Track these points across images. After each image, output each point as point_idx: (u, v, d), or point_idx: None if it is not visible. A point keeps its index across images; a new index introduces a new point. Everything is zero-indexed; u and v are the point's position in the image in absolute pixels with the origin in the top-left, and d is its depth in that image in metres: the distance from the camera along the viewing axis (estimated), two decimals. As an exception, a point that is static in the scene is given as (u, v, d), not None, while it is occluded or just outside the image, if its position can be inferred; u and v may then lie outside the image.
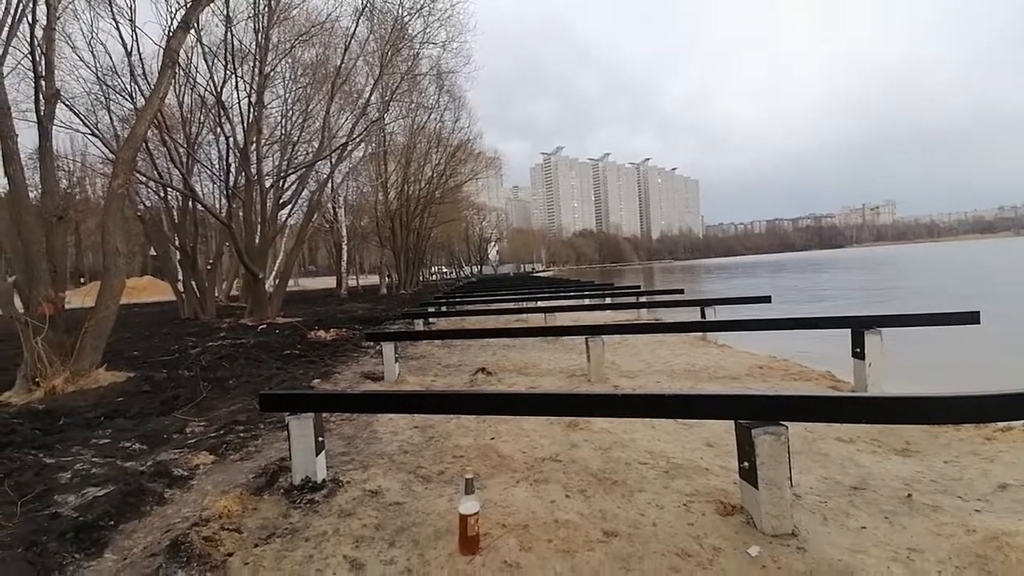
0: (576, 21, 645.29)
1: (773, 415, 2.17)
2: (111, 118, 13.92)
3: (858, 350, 4.37)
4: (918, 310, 4.81)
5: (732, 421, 2.27)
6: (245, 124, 13.62)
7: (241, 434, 3.86)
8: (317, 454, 2.76)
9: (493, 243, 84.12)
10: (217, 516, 2.39)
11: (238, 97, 13.90)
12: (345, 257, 28.02)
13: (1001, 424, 3.11)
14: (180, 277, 16.47)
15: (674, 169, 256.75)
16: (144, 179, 14.04)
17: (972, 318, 4.41)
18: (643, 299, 11.87)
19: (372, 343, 7.58)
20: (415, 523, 2.35)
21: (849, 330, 4.48)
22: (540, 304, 11.80)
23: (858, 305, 13.88)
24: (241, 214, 13.74)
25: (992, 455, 2.87)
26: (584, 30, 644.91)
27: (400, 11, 15.14)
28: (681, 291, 11.95)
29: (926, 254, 54.77)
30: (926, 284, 18.92)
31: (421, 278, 38.43)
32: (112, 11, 11.88)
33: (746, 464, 2.16)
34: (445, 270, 68.67)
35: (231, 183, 13.83)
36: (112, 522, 2.46)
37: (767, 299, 7.96)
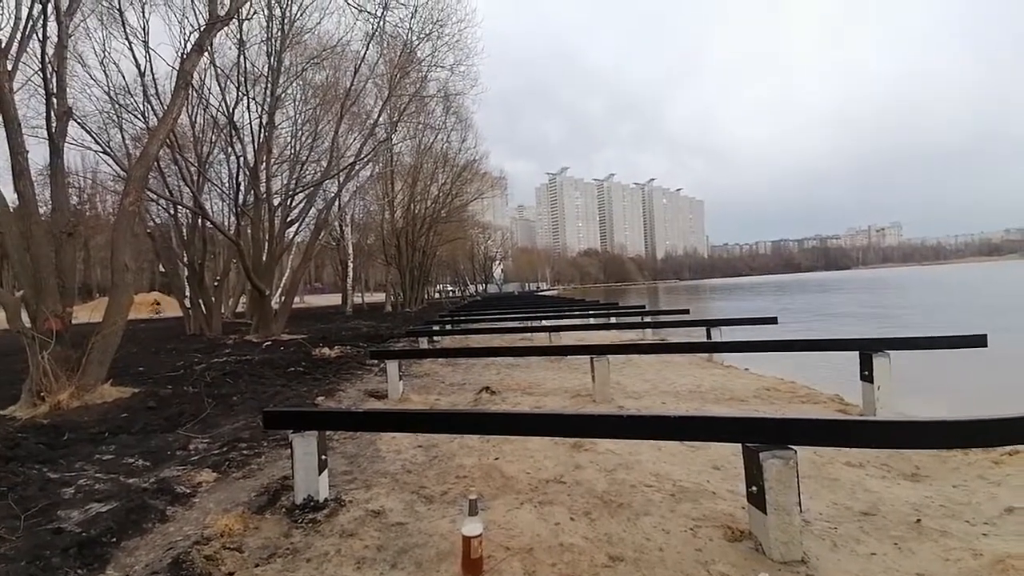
0: (581, 45, 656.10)
1: (781, 438, 2.14)
2: (123, 136, 14.18)
3: (866, 373, 4.33)
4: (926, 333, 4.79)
5: (739, 444, 2.25)
6: (255, 144, 13.85)
7: (244, 451, 3.85)
8: (320, 473, 2.75)
9: (498, 262, 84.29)
10: (219, 534, 2.39)
11: (249, 118, 14.19)
12: (351, 275, 28.20)
13: (1008, 448, 3.08)
14: (187, 293, 16.60)
15: (679, 190, 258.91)
16: (155, 196, 14.27)
17: (980, 341, 4.39)
18: (648, 319, 11.85)
19: (376, 361, 7.57)
20: (417, 544, 2.33)
21: (857, 352, 4.45)
22: (545, 323, 11.80)
23: (868, 326, 13.76)
24: (249, 232, 13.89)
25: (1000, 479, 2.84)
26: (589, 53, 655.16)
27: (409, 36, 15.49)
28: (687, 311, 11.94)
29: (932, 276, 54.58)
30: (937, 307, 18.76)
31: (426, 296, 38.51)
32: (125, 31, 12.27)
33: (754, 488, 2.14)
34: (450, 288, 68.83)
35: (240, 201, 14.04)
36: (114, 538, 2.45)
37: (773, 320, 7.94)
